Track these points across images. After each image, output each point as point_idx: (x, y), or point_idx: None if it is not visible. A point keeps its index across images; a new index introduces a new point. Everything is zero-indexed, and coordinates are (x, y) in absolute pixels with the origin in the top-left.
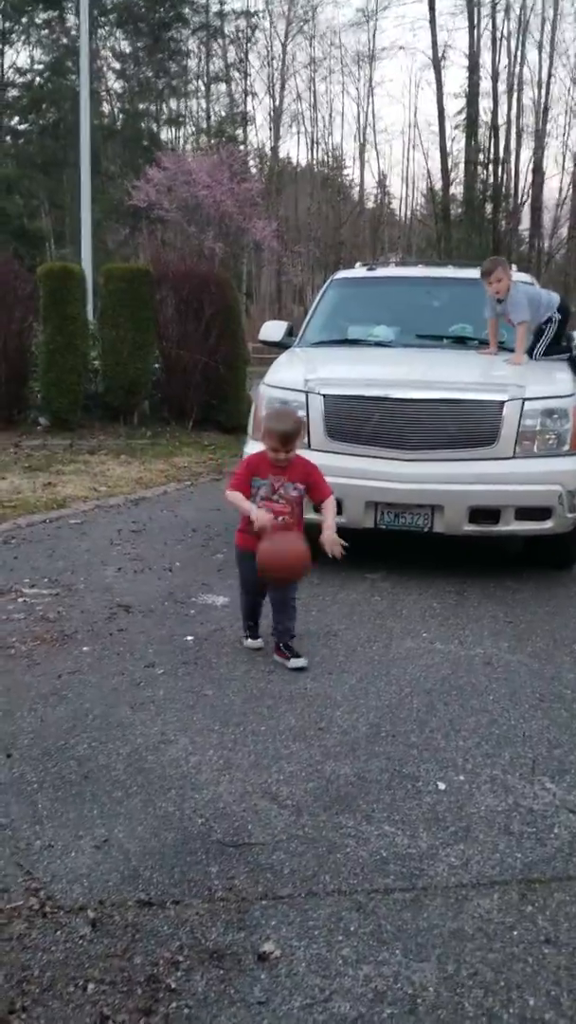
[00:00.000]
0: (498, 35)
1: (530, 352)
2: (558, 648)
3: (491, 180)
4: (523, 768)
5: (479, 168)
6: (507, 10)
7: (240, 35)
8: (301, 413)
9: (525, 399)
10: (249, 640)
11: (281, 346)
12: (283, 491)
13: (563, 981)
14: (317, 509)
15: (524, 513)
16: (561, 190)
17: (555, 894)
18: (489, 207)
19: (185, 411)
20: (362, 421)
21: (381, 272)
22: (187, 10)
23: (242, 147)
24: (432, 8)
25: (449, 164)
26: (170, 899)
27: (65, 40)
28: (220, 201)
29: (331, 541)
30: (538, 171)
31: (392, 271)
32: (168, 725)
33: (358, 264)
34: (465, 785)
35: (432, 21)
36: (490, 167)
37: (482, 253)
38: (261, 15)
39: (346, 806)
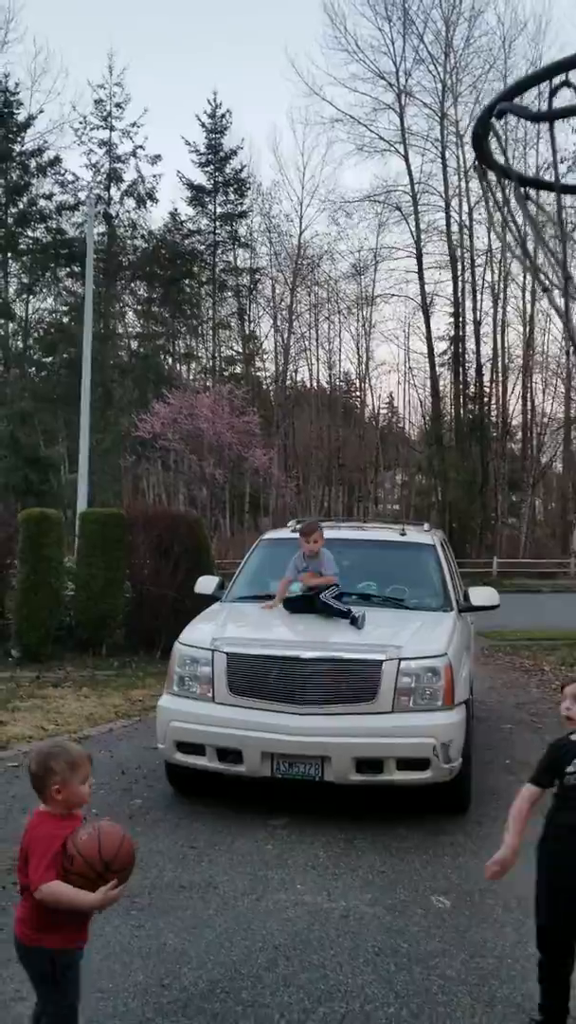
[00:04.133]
0: (479, 284)
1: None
2: (416, 900)
3: (477, 411)
4: (331, 1023)
5: (465, 400)
6: (488, 260)
7: (243, 288)
8: (207, 669)
9: (401, 659)
10: None
11: (214, 598)
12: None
13: None
14: None
15: (405, 764)
16: (546, 414)
17: None
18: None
19: (154, 642)
20: (259, 678)
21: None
22: (196, 268)
23: (242, 382)
24: (420, 261)
25: (439, 395)
26: None
27: (81, 289)
28: (220, 433)
29: None
30: (526, 401)
31: None
32: (9, 983)
33: (290, 523)
34: None
35: (420, 274)
36: (474, 400)
37: (470, 476)
38: (264, 271)
39: None
